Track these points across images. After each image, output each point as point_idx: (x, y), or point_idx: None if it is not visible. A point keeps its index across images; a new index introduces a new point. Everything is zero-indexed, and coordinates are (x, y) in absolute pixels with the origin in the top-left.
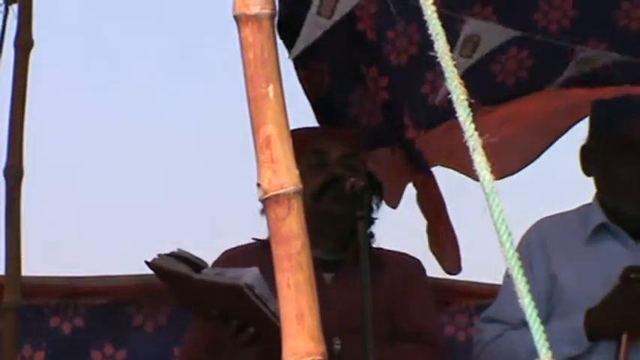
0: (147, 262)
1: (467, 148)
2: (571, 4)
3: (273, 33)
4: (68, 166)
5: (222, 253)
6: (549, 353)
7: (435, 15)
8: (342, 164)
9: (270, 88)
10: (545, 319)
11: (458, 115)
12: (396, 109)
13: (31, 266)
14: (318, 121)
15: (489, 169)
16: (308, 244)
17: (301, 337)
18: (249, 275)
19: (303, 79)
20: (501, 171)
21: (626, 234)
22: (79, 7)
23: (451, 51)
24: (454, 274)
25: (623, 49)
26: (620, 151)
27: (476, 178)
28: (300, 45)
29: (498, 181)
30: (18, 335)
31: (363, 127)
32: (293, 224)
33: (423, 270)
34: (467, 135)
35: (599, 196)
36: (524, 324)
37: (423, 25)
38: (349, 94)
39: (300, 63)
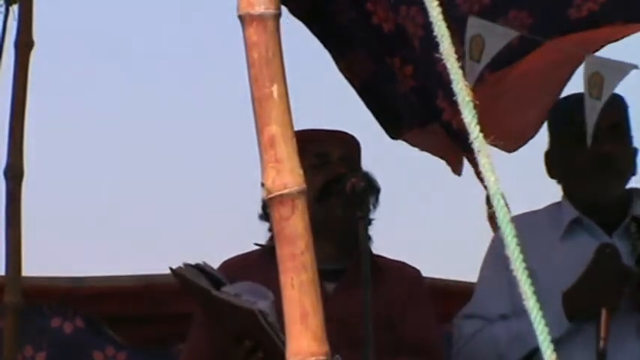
0: (171, 269)
1: (489, 118)
2: None
3: (278, 32)
4: (69, 165)
5: (222, 263)
6: (554, 355)
7: (441, 16)
8: (342, 164)
9: (275, 88)
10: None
11: (463, 116)
12: (425, 94)
13: (31, 266)
14: (367, 106)
15: (494, 171)
16: (312, 245)
17: (305, 337)
18: (265, 303)
19: (344, 70)
20: (521, 137)
21: (600, 228)
22: (80, 7)
23: (462, 52)
24: None
25: None
26: (580, 141)
27: (501, 147)
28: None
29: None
30: (18, 335)
31: (413, 104)
32: (297, 224)
33: (422, 279)
34: (472, 137)
35: (566, 193)
36: (502, 318)
37: (422, 5)
38: (393, 76)
39: (337, 56)
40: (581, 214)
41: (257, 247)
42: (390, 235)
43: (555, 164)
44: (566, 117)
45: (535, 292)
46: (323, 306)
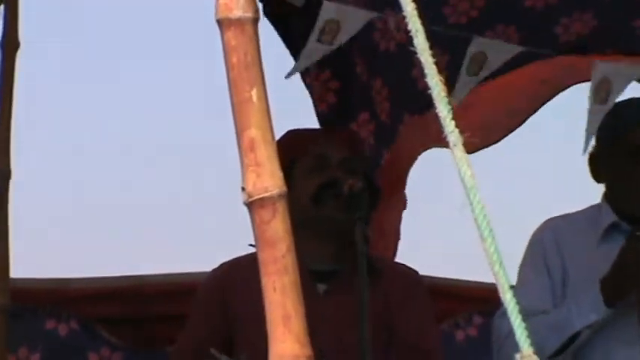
0: None
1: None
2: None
3: (256, 36)
4: (57, 166)
5: (217, 267)
6: (531, 349)
7: (415, 12)
8: (342, 167)
9: (254, 92)
10: None
11: (438, 111)
12: (343, 116)
13: (21, 267)
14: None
15: (470, 166)
16: (293, 247)
17: (288, 340)
18: None
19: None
20: (486, 138)
21: None
22: (67, 7)
23: (458, 70)
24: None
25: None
26: (632, 156)
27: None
28: (297, 67)
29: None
30: (8, 337)
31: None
32: (278, 227)
33: (421, 281)
34: (447, 131)
35: (607, 197)
36: (543, 313)
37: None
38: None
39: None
40: (620, 219)
41: (251, 250)
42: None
43: (601, 169)
44: (618, 126)
45: (512, 286)
46: (314, 307)
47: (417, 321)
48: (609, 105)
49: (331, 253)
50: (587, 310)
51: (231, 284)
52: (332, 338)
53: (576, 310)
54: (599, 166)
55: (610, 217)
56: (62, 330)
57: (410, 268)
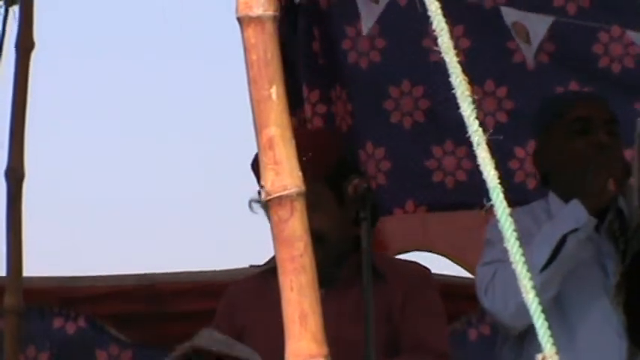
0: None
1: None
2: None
3: (276, 34)
4: (69, 167)
5: (232, 283)
6: (553, 349)
7: (440, 11)
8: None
9: (273, 90)
10: None
11: (461, 110)
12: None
13: (32, 267)
14: None
15: (493, 165)
16: (311, 246)
17: (304, 339)
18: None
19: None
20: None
21: None
22: (80, 8)
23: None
24: None
25: None
26: (574, 129)
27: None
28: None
29: None
30: (19, 338)
31: None
32: (296, 226)
33: (428, 278)
34: (471, 130)
35: (553, 186)
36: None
37: (430, 89)
38: None
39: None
40: (566, 203)
41: (256, 270)
42: None
43: (545, 159)
44: (560, 109)
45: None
46: None
47: (422, 320)
48: (535, 46)
49: (326, 257)
50: (570, 216)
51: (238, 299)
52: (331, 338)
53: (560, 219)
54: (543, 156)
55: (559, 204)
56: (70, 328)
57: (419, 266)
